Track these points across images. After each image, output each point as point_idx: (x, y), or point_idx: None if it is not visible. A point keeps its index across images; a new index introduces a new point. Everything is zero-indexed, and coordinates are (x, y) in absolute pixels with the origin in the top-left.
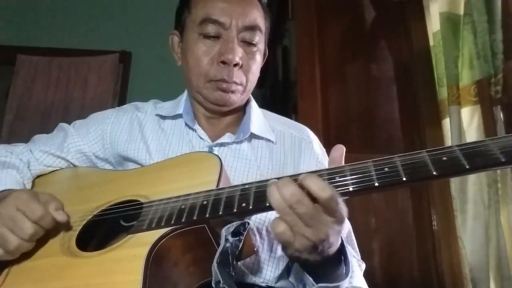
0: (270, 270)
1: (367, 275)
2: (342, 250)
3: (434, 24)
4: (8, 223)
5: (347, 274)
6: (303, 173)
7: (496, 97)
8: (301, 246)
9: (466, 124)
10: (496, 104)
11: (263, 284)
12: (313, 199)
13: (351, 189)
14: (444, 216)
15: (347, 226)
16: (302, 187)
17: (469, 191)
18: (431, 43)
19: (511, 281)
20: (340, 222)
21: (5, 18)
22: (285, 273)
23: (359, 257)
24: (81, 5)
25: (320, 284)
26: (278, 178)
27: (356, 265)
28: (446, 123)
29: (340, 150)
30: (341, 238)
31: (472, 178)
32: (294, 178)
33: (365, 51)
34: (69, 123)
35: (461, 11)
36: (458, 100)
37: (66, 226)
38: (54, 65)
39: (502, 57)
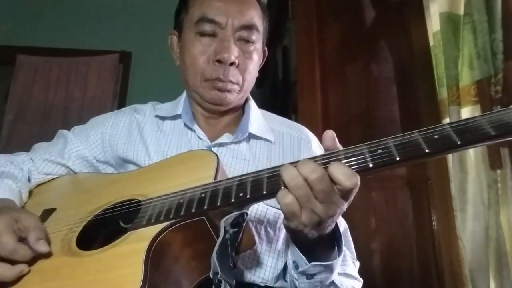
0: (268, 270)
1: (367, 275)
2: (336, 231)
3: (434, 24)
4: None
5: (339, 254)
6: (302, 160)
7: (496, 97)
8: (308, 220)
9: None
10: (496, 104)
11: (262, 284)
12: (332, 182)
13: None
14: (444, 216)
15: (343, 225)
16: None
17: (469, 191)
18: (431, 43)
19: (511, 281)
20: (349, 203)
21: (5, 18)
22: (283, 273)
23: (354, 257)
24: (81, 5)
25: (313, 263)
26: (272, 168)
27: (349, 258)
28: None
29: (330, 138)
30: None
31: (472, 178)
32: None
33: (365, 51)
34: (69, 123)
35: (461, 11)
36: (458, 100)
37: (65, 229)
38: (54, 65)
39: (502, 57)
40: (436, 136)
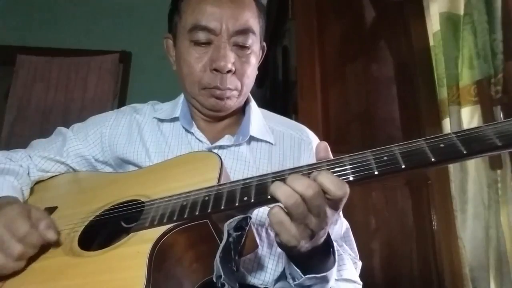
0: (269, 272)
1: (367, 275)
2: (328, 241)
3: (434, 24)
4: None
5: (333, 264)
6: (305, 165)
7: (496, 97)
8: (300, 235)
9: (466, 124)
10: (496, 104)
11: (262, 286)
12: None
13: (351, 178)
14: (444, 216)
15: (344, 225)
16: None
17: (469, 191)
18: (431, 43)
19: (511, 281)
20: (339, 212)
21: (5, 18)
22: (284, 275)
23: (357, 256)
24: (81, 5)
25: (307, 275)
26: (276, 172)
27: (348, 260)
28: (446, 123)
29: (323, 150)
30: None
31: (472, 178)
32: (297, 171)
33: (365, 51)
34: (69, 123)
35: (461, 11)
36: (458, 100)
37: (67, 229)
38: (54, 65)
39: (502, 57)
40: (441, 145)
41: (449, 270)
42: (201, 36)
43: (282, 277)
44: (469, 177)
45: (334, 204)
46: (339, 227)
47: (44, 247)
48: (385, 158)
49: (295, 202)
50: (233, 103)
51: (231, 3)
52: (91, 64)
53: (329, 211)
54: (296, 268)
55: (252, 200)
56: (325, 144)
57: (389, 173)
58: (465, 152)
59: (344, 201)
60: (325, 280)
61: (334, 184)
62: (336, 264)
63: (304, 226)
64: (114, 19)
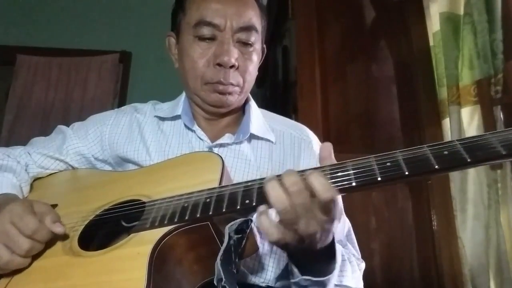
0: (270, 270)
1: (367, 275)
2: (331, 248)
3: (434, 24)
4: (2, 237)
5: (333, 271)
6: (308, 169)
7: (496, 97)
8: (287, 234)
9: (466, 124)
10: (496, 104)
11: (263, 285)
12: (312, 194)
13: (354, 184)
14: (444, 216)
15: (347, 224)
16: (305, 181)
17: (469, 191)
18: (431, 43)
19: (511, 281)
20: (331, 221)
21: (5, 18)
22: (285, 273)
23: (359, 256)
24: (81, 5)
25: (304, 276)
26: (279, 175)
27: (349, 266)
28: (446, 123)
29: (327, 149)
30: (333, 237)
31: (472, 178)
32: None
33: (365, 51)
34: (69, 123)
35: (461, 11)
36: (458, 100)
37: (67, 227)
38: (54, 65)
39: (502, 57)
40: (445, 152)
41: (449, 270)
42: (206, 31)
43: (282, 275)
44: (469, 177)
45: (323, 207)
46: (342, 225)
47: (44, 246)
48: (388, 164)
49: (278, 195)
50: (235, 99)
51: (235, 1)
52: (91, 64)
53: (317, 216)
54: (294, 267)
55: (254, 203)
56: (329, 147)
57: (392, 179)
58: (469, 160)
59: (335, 207)
60: (321, 284)
61: (322, 186)
62: (337, 271)
63: (290, 227)
64: (114, 19)
